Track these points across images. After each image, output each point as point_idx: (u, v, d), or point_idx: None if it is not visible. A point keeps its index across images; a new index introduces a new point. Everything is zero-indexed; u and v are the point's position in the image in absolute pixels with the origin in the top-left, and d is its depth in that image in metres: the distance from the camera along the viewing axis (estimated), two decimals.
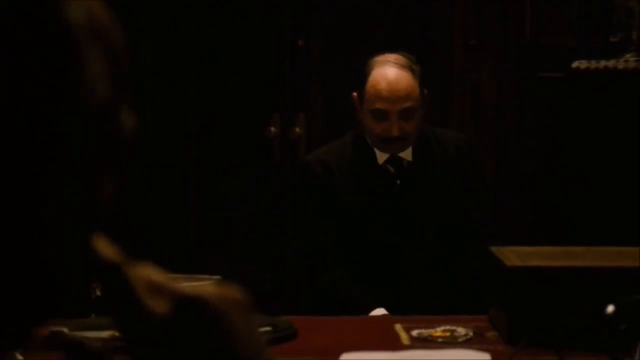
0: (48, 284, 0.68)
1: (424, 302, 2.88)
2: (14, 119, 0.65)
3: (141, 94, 4.33)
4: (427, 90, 3.12)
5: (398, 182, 3.02)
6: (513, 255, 2.28)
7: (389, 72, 3.02)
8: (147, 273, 0.73)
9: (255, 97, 4.48)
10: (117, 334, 0.75)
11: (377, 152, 3.05)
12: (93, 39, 0.68)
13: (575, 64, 4.26)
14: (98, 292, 0.74)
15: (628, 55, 4.24)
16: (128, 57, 0.72)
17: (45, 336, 0.71)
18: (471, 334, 2.29)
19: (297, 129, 4.43)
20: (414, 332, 2.31)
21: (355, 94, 3.09)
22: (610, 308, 1.89)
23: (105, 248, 0.71)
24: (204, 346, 0.72)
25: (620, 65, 4.21)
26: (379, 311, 2.88)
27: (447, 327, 2.33)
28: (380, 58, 3.08)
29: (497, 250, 2.34)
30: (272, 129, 4.44)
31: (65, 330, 2.13)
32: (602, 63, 4.24)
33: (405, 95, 2.99)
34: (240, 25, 4.47)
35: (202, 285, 0.75)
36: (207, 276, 2.66)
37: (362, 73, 3.07)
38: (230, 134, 4.50)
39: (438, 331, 2.31)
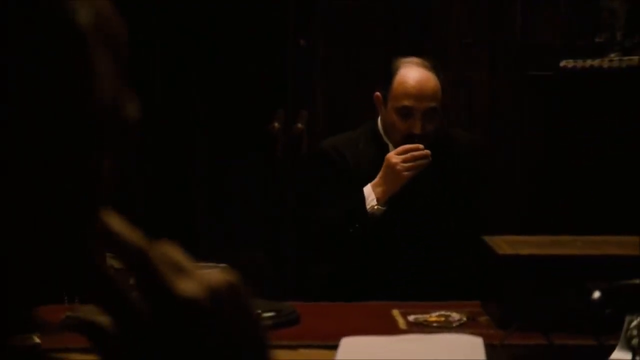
0: (48, 266, 0.68)
1: (421, 287, 2.88)
2: (23, 117, 0.64)
3: (149, 91, 4.32)
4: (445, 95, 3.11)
5: None
6: (505, 244, 2.28)
7: (416, 72, 3.01)
8: (171, 253, 0.72)
9: (260, 95, 4.48)
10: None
11: (391, 149, 3.04)
12: (101, 38, 0.67)
13: (562, 63, 4.26)
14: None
15: (612, 55, 4.24)
16: (128, 51, 0.71)
17: (61, 320, 0.70)
18: (465, 319, 2.28)
19: (300, 125, 4.43)
20: (411, 317, 2.31)
21: (378, 93, 3.07)
22: (596, 294, 1.89)
23: (128, 231, 0.70)
24: (227, 330, 0.72)
25: (605, 64, 4.21)
26: (368, 189, 2.92)
27: (442, 313, 2.33)
28: (406, 59, 3.06)
29: (489, 239, 2.33)
30: (276, 124, 4.43)
31: (81, 315, 2.13)
32: (588, 62, 4.24)
33: (431, 95, 2.98)
34: (244, 26, 4.47)
35: (209, 273, 0.75)
36: (213, 264, 2.66)
37: (387, 73, 3.06)
38: (235, 129, 4.50)
39: (433, 316, 2.31)
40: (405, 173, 2.90)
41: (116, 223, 0.70)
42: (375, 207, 2.93)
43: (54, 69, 0.65)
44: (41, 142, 0.65)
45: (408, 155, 2.90)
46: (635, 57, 4.16)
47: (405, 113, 2.98)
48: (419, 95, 2.97)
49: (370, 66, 4.26)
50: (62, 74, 0.65)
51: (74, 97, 0.66)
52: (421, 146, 2.91)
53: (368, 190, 2.95)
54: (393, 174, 2.91)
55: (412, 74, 3.01)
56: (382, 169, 2.93)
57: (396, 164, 2.90)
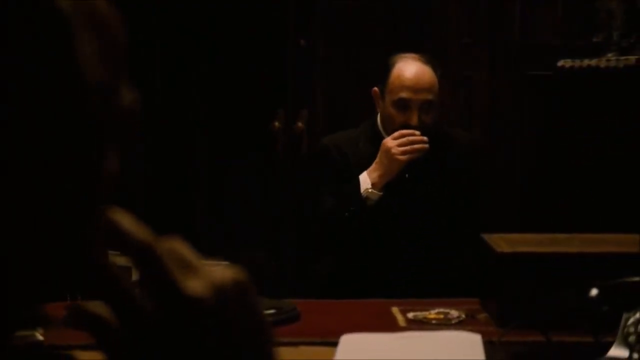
0: (49, 265, 0.67)
1: (421, 286, 2.87)
2: (10, 111, 0.63)
3: (149, 91, 4.32)
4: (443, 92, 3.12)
5: (407, 175, 2.98)
6: (503, 242, 2.28)
7: (413, 65, 3.02)
8: (179, 249, 0.72)
9: (261, 94, 4.48)
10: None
11: None
12: (84, 22, 0.67)
13: (560, 63, 4.26)
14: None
15: (609, 55, 4.24)
16: (125, 37, 0.70)
17: (64, 315, 0.70)
18: (464, 316, 2.28)
19: (300, 124, 4.43)
20: (410, 315, 2.31)
21: (376, 88, 3.08)
22: (594, 291, 1.89)
23: (135, 227, 0.70)
24: (232, 329, 0.71)
25: (603, 64, 4.21)
26: (364, 175, 2.92)
27: (441, 310, 2.33)
28: (404, 55, 3.08)
29: (488, 237, 2.33)
30: (276, 124, 4.44)
31: (86, 308, 2.12)
32: (586, 62, 4.24)
33: (427, 88, 2.99)
34: (244, 26, 4.46)
35: (216, 270, 0.74)
36: (214, 261, 2.65)
37: (384, 68, 3.07)
38: (237, 128, 4.50)
39: (432, 313, 2.31)
40: (401, 157, 2.90)
41: (123, 219, 0.69)
42: (370, 190, 2.93)
43: (36, 55, 0.64)
44: (34, 136, 0.64)
45: (404, 139, 2.91)
46: (632, 57, 4.16)
47: (402, 105, 2.98)
48: (415, 87, 2.98)
49: (370, 66, 4.26)
50: (44, 59, 0.64)
51: (59, 82, 0.65)
52: (417, 132, 2.92)
53: (364, 176, 2.95)
54: (388, 158, 2.91)
55: (409, 67, 3.02)
56: (378, 154, 2.94)
57: (391, 147, 2.90)
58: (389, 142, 2.92)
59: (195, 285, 0.70)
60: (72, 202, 0.66)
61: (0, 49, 0.62)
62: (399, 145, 2.91)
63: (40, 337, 1.85)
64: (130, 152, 0.71)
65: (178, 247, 0.71)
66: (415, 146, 2.91)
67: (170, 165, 4.48)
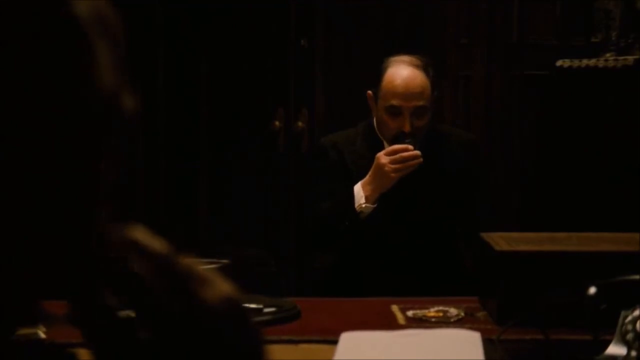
0: (49, 261, 0.67)
1: (420, 285, 2.87)
2: (26, 108, 0.64)
3: (152, 91, 4.32)
4: (438, 92, 3.11)
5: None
6: (502, 241, 2.27)
7: (404, 71, 3.00)
8: (192, 264, 0.72)
9: (262, 94, 4.48)
10: (131, 314, 0.73)
11: (385, 146, 3.03)
12: (99, 31, 0.67)
13: (559, 63, 4.26)
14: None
15: (608, 55, 4.24)
16: (126, 45, 0.71)
17: (65, 312, 0.69)
18: (463, 314, 2.28)
19: (300, 123, 4.42)
20: (409, 313, 2.31)
21: (370, 92, 3.08)
22: (592, 289, 1.89)
23: (150, 240, 0.70)
24: (227, 348, 0.71)
25: (601, 64, 4.20)
26: (358, 187, 2.91)
27: (440, 308, 2.33)
28: (396, 58, 3.06)
29: (487, 236, 2.33)
30: (277, 123, 4.43)
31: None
32: (584, 62, 4.23)
33: (418, 94, 2.97)
34: (248, 28, 4.46)
35: (212, 291, 0.74)
36: (215, 260, 2.65)
37: (377, 72, 3.06)
38: (238, 127, 4.49)
39: (432, 311, 2.31)
40: (394, 174, 2.90)
41: (143, 237, 0.70)
42: (364, 205, 2.92)
43: (56, 63, 0.64)
44: (40, 138, 0.64)
45: (397, 156, 2.89)
46: (630, 57, 4.16)
47: (393, 112, 2.98)
48: (406, 94, 2.97)
49: (370, 65, 4.26)
50: (64, 67, 0.64)
51: (76, 89, 0.65)
52: (410, 147, 2.91)
53: (358, 188, 2.95)
54: (382, 174, 2.91)
55: (400, 73, 3.00)
56: (372, 168, 2.93)
57: (385, 164, 2.89)
58: (383, 158, 2.91)
59: (207, 297, 0.70)
60: (73, 202, 0.66)
61: (19, 56, 0.63)
62: (392, 163, 2.89)
63: (43, 335, 1.85)
64: (129, 153, 0.72)
65: (176, 263, 0.72)
66: (409, 163, 2.90)
67: (171, 165, 4.47)
